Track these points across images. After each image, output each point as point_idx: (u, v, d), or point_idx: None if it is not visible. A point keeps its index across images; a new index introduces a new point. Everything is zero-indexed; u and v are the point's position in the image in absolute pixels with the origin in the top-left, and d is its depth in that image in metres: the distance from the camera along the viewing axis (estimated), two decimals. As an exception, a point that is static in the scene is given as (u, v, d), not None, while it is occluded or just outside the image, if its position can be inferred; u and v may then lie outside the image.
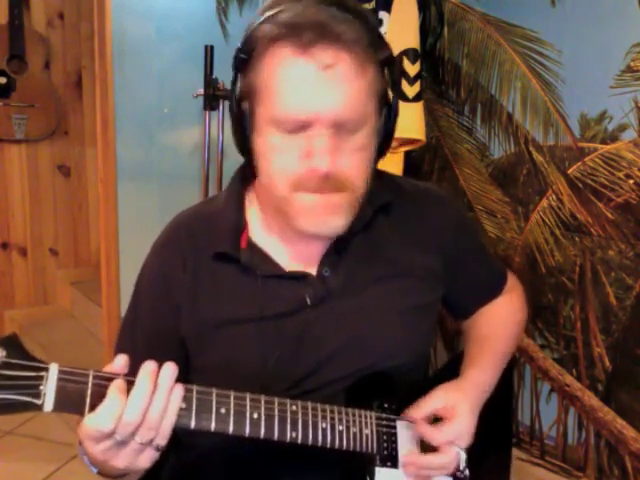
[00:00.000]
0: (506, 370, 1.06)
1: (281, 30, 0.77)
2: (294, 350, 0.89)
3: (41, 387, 0.63)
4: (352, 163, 0.81)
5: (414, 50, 1.77)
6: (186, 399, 0.71)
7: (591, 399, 1.70)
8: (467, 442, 0.90)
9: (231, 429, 0.73)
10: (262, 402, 0.76)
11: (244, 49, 0.81)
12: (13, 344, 0.64)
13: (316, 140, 0.78)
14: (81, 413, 0.66)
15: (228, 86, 2.12)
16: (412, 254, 0.96)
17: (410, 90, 1.77)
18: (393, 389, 0.92)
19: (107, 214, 2.20)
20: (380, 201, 0.93)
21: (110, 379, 0.68)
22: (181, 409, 0.71)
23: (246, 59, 0.81)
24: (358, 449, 0.85)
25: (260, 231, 0.92)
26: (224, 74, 2.00)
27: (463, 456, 0.91)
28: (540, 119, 1.78)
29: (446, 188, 2.01)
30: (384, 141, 0.87)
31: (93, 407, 0.66)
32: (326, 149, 0.78)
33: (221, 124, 2.04)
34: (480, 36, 1.92)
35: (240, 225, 0.91)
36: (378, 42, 0.82)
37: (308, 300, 0.90)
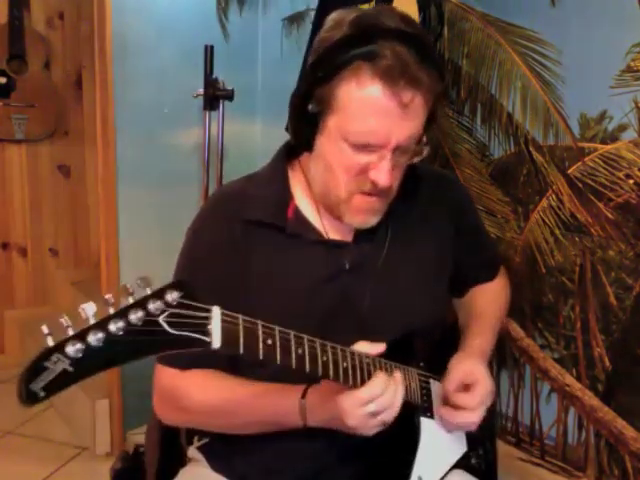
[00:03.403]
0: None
1: (376, 70, 0.87)
2: (335, 311, 1.01)
3: (209, 326, 0.72)
4: (397, 175, 0.97)
5: (414, 50, 1.77)
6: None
7: (591, 399, 1.70)
8: (492, 398, 1.04)
9: (279, 360, 0.80)
10: (317, 343, 0.85)
11: (329, 60, 0.90)
12: (185, 287, 0.71)
13: (382, 160, 0.92)
14: (237, 353, 0.75)
15: (228, 86, 2.12)
16: (434, 227, 1.11)
17: (410, 90, 1.77)
18: (423, 350, 1.06)
19: (107, 214, 2.20)
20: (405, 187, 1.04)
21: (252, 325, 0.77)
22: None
23: (330, 73, 0.90)
24: (407, 399, 0.95)
25: (306, 204, 1.04)
26: (224, 74, 2.00)
27: None
28: (540, 119, 1.78)
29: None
30: None
31: (246, 348, 0.75)
32: (388, 169, 0.93)
33: (221, 124, 2.04)
34: (480, 36, 1.92)
35: (286, 197, 1.03)
36: (442, 87, 0.96)
37: (347, 265, 1.03)
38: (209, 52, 1.98)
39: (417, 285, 1.08)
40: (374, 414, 0.87)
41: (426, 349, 1.07)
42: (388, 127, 0.90)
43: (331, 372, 0.86)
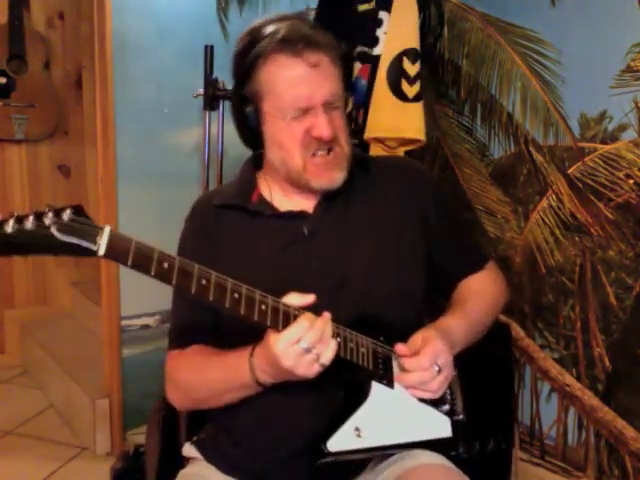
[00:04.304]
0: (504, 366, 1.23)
1: (278, 44, 1.04)
2: (297, 275, 1.09)
3: (98, 238, 0.83)
4: (338, 127, 1.09)
5: (414, 50, 1.77)
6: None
7: (591, 399, 1.71)
8: (446, 360, 1.04)
9: (174, 281, 0.89)
10: (229, 281, 0.92)
11: (246, 63, 1.08)
12: (81, 210, 0.84)
13: (317, 117, 1.06)
14: (125, 264, 0.85)
15: (228, 86, 2.12)
16: (397, 205, 1.17)
17: (410, 90, 1.77)
18: (386, 327, 1.09)
19: (107, 214, 2.20)
20: (358, 157, 1.18)
21: (147, 249, 0.87)
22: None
23: (249, 71, 1.08)
24: (354, 361, 1.01)
25: (269, 193, 1.17)
26: (224, 74, 2.00)
27: (457, 393, 1.11)
28: (540, 119, 1.78)
29: (446, 188, 2.02)
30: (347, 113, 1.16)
31: (134, 263, 0.85)
32: (326, 122, 1.06)
33: (221, 124, 2.04)
34: (480, 36, 1.92)
35: (251, 186, 1.17)
36: (339, 46, 1.11)
37: (305, 231, 1.12)
38: (209, 52, 1.98)
39: (377, 253, 1.14)
40: (306, 350, 0.92)
41: (391, 327, 1.09)
42: (309, 88, 1.05)
43: (243, 309, 0.91)
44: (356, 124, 1.87)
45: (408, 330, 1.09)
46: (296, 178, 1.11)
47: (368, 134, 1.81)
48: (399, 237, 1.16)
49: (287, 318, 0.94)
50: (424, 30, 1.85)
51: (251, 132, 1.12)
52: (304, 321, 0.93)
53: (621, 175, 1.60)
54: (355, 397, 1.04)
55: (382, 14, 1.80)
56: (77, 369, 2.56)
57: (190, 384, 1.13)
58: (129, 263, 0.85)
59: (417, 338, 1.06)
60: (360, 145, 1.81)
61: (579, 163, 1.69)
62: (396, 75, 1.76)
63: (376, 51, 1.81)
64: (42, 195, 3.21)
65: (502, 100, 1.88)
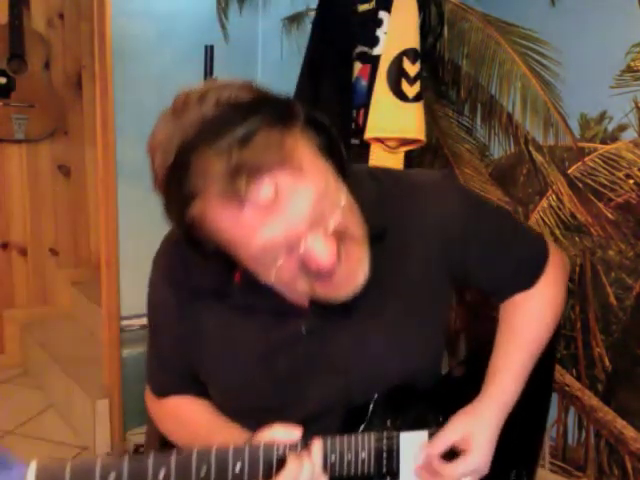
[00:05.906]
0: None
1: (216, 202, 0.72)
2: (294, 376, 0.93)
3: None
4: (341, 228, 0.77)
5: (414, 50, 1.77)
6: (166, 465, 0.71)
7: (591, 399, 1.70)
8: (483, 473, 0.94)
9: None
10: (246, 451, 0.77)
11: (182, 212, 0.74)
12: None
13: (308, 249, 0.75)
14: None
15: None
16: (408, 273, 0.93)
17: (410, 90, 1.77)
18: (393, 408, 0.95)
19: (107, 214, 2.20)
20: (373, 230, 0.84)
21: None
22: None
23: (192, 222, 0.75)
24: (353, 474, 0.87)
25: None
26: (224, 74, 2.00)
27: None
28: (540, 119, 1.78)
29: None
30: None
31: None
32: (321, 251, 0.75)
33: (221, 124, 2.04)
34: (480, 36, 1.92)
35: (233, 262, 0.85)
36: (289, 118, 0.75)
37: (303, 330, 0.91)
38: (209, 52, 1.99)
39: (386, 343, 0.94)
40: None
41: (403, 407, 0.96)
42: (279, 230, 0.73)
43: None
44: (356, 124, 1.87)
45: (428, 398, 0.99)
46: (307, 295, 0.86)
47: (368, 134, 1.81)
48: (413, 310, 0.95)
49: (269, 467, 0.78)
50: (424, 30, 1.85)
51: (230, 271, 0.86)
52: (290, 471, 0.77)
53: (621, 175, 1.60)
54: None
55: (382, 14, 1.80)
56: (77, 369, 2.56)
57: (180, 442, 1.02)
58: None
59: (455, 430, 0.94)
60: (360, 145, 1.81)
61: (579, 163, 1.69)
62: (396, 75, 1.76)
63: (376, 51, 1.81)
64: (42, 195, 3.21)
65: (502, 100, 1.88)
